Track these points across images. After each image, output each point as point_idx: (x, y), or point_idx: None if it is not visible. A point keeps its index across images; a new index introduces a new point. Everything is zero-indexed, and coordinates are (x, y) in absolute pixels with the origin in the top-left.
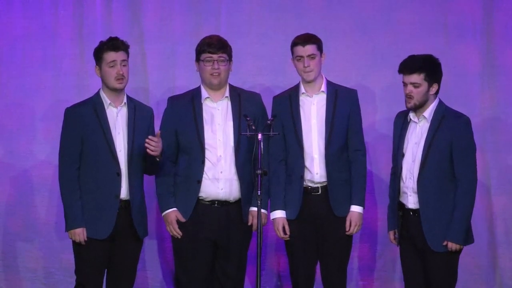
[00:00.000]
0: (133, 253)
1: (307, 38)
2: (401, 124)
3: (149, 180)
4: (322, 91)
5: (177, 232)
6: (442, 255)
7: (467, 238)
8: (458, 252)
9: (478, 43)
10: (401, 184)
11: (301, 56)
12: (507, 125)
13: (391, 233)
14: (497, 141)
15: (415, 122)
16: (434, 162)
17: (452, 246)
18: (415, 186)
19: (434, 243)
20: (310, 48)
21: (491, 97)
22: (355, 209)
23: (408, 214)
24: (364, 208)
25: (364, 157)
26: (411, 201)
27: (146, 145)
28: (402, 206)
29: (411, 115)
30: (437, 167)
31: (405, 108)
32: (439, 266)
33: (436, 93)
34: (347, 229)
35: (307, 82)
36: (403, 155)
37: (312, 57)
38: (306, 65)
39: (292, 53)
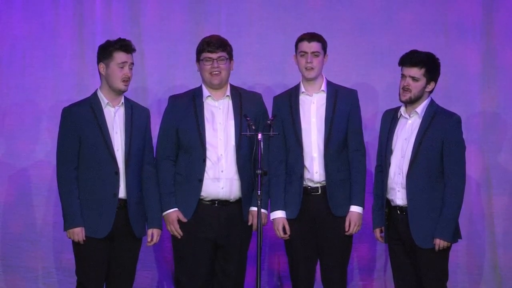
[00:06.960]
0: (132, 252)
1: (313, 35)
2: (390, 121)
3: None
4: (322, 90)
5: (178, 232)
6: (431, 251)
7: (455, 235)
8: (447, 249)
9: (478, 43)
10: (389, 180)
11: (305, 52)
12: (507, 125)
13: (377, 230)
14: (498, 141)
15: (406, 118)
16: (424, 158)
17: (440, 243)
18: (404, 181)
19: (421, 239)
20: (315, 45)
21: (491, 97)
22: (355, 209)
23: (396, 213)
24: (364, 209)
25: (363, 157)
26: (399, 196)
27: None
28: (388, 203)
29: (402, 111)
30: (427, 163)
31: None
32: (429, 262)
33: (430, 92)
34: (346, 229)
35: (307, 80)
36: (391, 151)
37: (315, 55)
38: (309, 61)
39: (296, 48)
